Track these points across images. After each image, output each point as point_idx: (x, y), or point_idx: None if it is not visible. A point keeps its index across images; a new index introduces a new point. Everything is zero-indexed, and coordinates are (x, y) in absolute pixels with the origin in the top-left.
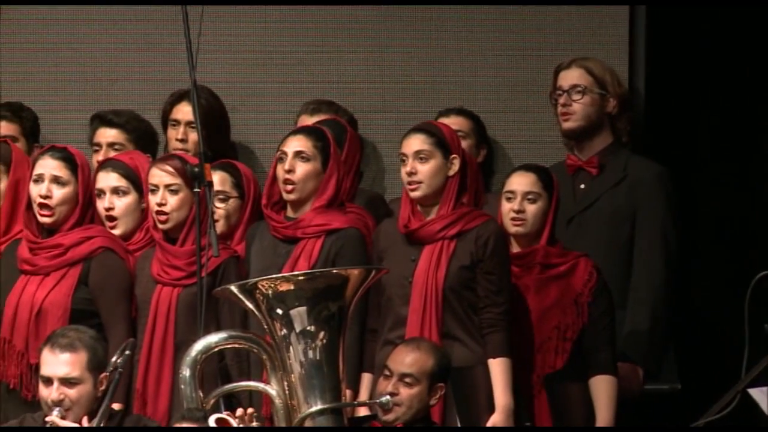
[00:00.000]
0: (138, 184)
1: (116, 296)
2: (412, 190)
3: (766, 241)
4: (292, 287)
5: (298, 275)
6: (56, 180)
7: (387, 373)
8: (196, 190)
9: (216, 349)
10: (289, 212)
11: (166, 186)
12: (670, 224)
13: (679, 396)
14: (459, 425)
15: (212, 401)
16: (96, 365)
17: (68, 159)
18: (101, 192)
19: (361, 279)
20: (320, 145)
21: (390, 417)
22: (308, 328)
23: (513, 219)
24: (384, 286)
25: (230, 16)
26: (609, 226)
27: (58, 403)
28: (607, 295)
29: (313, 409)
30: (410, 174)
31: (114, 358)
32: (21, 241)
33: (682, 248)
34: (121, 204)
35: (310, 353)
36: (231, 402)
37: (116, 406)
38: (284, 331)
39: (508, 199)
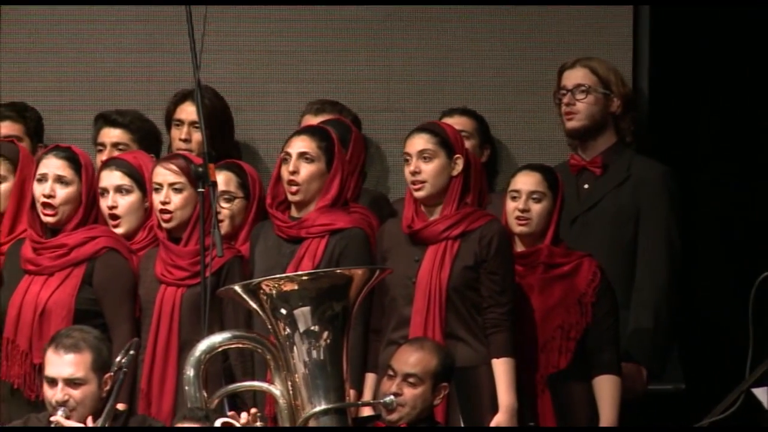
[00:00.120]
0: (141, 182)
1: (120, 296)
2: (416, 189)
3: None
4: (296, 287)
5: (302, 275)
6: (60, 179)
7: (391, 373)
8: (200, 190)
9: (220, 349)
10: (294, 212)
11: (170, 185)
12: (673, 224)
13: (683, 396)
14: (462, 425)
15: (216, 401)
16: (100, 365)
17: (72, 159)
18: (104, 190)
19: (365, 279)
20: (324, 145)
21: (394, 417)
22: (312, 328)
23: (518, 218)
24: (387, 286)
25: (234, 16)
26: (612, 226)
27: (63, 403)
28: (610, 295)
29: (317, 409)
30: (414, 173)
31: (118, 359)
32: (24, 240)
33: (686, 248)
34: (125, 202)
35: (314, 353)
36: (235, 402)
37: (120, 407)
38: (288, 331)
39: (513, 198)
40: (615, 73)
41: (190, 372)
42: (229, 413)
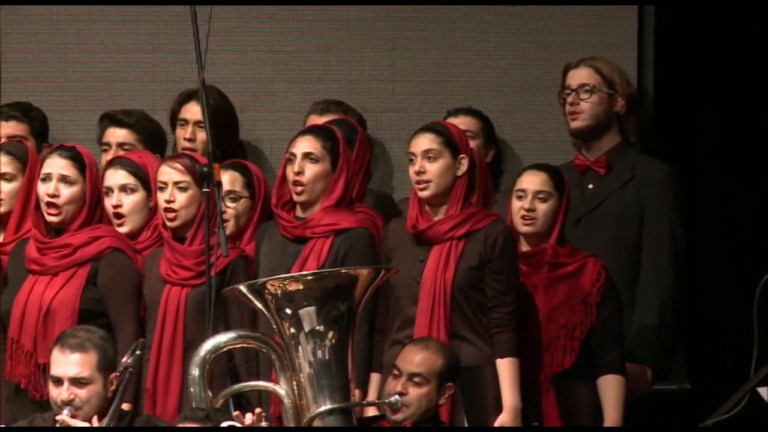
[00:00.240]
0: (146, 182)
1: (125, 296)
2: (421, 189)
3: None
4: (301, 287)
5: (307, 275)
6: (64, 179)
7: (396, 372)
8: (205, 189)
9: (225, 349)
10: (299, 212)
11: (175, 183)
12: (678, 224)
13: (688, 396)
14: (467, 425)
15: (221, 401)
16: (106, 365)
17: (76, 158)
18: (109, 189)
19: (371, 279)
20: (329, 145)
21: (399, 417)
22: (317, 327)
23: (523, 218)
24: (392, 286)
25: (238, 15)
26: (617, 226)
27: (68, 402)
28: (615, 296)
29: (322, 408)
30: (419, 173)
31: (124, 359)
32: (29, 240)
33: (691, 248)
34: (129, 201)
35: (319, 353)
36: (240, 402)
37: (125, 406)
38: (293, 330)
39: (519, 198)
40: (619, 73)
41: (195, 372)
42: (234, 413)
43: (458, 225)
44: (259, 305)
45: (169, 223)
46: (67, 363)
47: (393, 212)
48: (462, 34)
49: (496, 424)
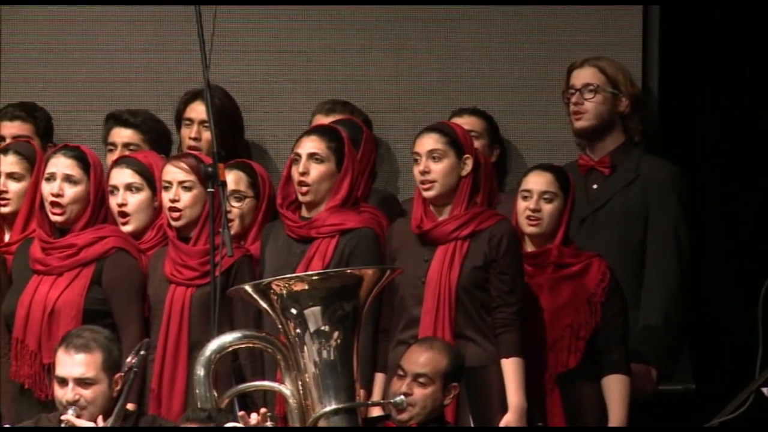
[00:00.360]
0: (152, 181)
1: (129, 296)
2: (425, 189)
3: None
4: (306, 287)
5: (312, 275)
6: (68, 178)
7: (401, 373)
8: (209, 189)
9: (230, 349)
10: (304, 212)
11: (180, 183)
12: (682, 224)
13: (693, 396)
14: (472, 425)
15: (226, 401)
16: (111, 365)
17: (80, 158)
18: (114, 188)
19: (376, 279)
20: (334, 145)
21: (404, 417)
22: (322, 327)
23: (528, 218)
24: (397, 286)
25: (243, 15)
26: (621, 227)
27: (74, 403)
28: (620, 296)
29: (328, 408)
30: (423, 173)
31: (129, 359)
32: (33, 240)
33: (695, 248)
34: (134, 200)
35: (325, 353)
36: (245, 402)
37: (130, 407)
38: (298, 330)
39: (524, 198)
40: (624, 73)
41: (200, 372)
42: (239, 413)
43: (463, 225)
44: (265, 305)
45: (173, 223)
46: (72, 363)
47: (398, 212)
48: (467, 35)
49: (502, 424)
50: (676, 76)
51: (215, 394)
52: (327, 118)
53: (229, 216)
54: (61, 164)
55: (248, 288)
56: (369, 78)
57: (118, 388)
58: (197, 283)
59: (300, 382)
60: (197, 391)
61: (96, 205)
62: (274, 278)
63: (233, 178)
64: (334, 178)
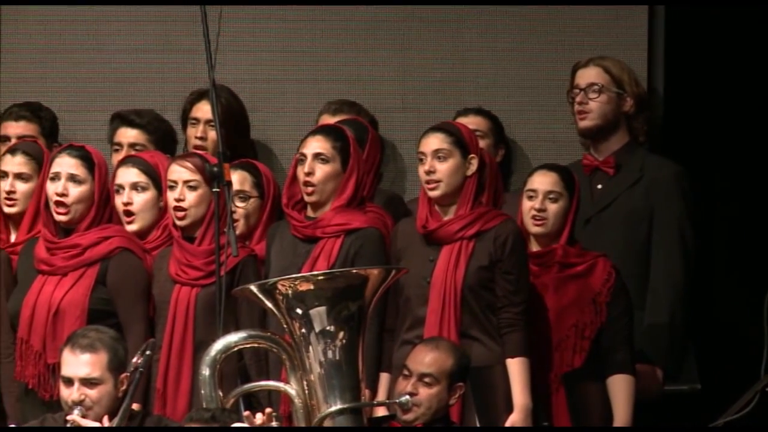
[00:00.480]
0: (157, 181)
1: (134, 296)
2: (431, 189)
3: None
4: (311, 287)
5: (317, 275)
6: (73, 178)
7: (406, 373)
8: (215, 189)
9: (236, 349)
10: (310, 212)
11: (185, 182)
12: (687, 224)
13: (698, 396)
14: (478, 425)
15: (232, 401)
16: (117, 365)
17: (85, 157)
18: (120, 187)
19: (381, 279)
20: (339, 145)
21: (409, 417)
22: (328, 327)
23: (534, 218)
24: (402, 286)
25: (249, 15)
26: (626, 227)
27: (79, 403)
28: (625, 296)
29: (333, 408)
30: (428, 173)
31: (134, 359)
32: (37, 240)
33: (700, 248)
34: (140, 199)
35: (330, 353)
36: (250, 402)
37: (135, 407)
38: (304, 330)
39: (530, 198)
40: (628, 73)
41: (205, 372)
42: (245, 413)
43: (468, 225)
44: (270, 305)
45: (178, 222)
46: (77, 363)
47: (403, 212)
48: (472, 35)
49: (507, 423)
50: (681, 76)
51: (220, 394)
52: (334, 118)
53: (234, 216)
54: (65, 164)
55: (253, 288)
56: (375, 78)
57: (124, 388)
58: (202, 283)
59: (305, 382)
60: (202, 391)
61: (100, 204)
62: (279, 278)
63: (238, 179)
64: (340, 178)
